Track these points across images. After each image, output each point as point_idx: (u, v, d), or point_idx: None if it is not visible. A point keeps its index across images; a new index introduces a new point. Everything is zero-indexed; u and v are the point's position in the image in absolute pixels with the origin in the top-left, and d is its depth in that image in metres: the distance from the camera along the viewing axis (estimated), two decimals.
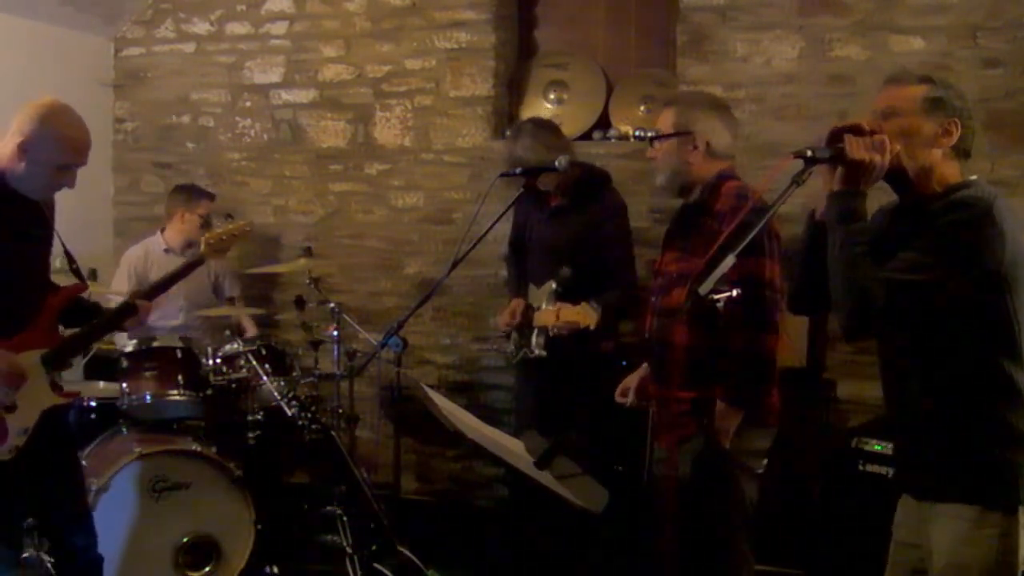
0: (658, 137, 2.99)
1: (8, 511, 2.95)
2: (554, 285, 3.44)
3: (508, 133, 4.03)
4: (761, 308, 2.78)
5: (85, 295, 3.13)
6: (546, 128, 3.91)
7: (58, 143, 2.78)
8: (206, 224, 4.51)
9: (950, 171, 2.21)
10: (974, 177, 2.21)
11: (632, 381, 3.17)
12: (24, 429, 2.80)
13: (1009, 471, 2.11)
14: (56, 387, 2.93)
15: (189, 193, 4.64)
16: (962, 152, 2.23)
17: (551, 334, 3.43)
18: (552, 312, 3.39)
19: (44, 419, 2.86)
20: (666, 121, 2.99)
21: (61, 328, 3.04)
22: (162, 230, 4.66)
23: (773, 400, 2.91)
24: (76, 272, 3.12)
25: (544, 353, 3.40)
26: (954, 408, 2.15)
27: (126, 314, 3.02)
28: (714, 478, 2.83)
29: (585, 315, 3.28)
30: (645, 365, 3.15)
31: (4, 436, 2.77)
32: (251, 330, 4.65)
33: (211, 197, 4.68)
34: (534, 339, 3.44)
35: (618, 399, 3.18)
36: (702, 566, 2.88)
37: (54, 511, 3.02)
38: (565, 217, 3.78)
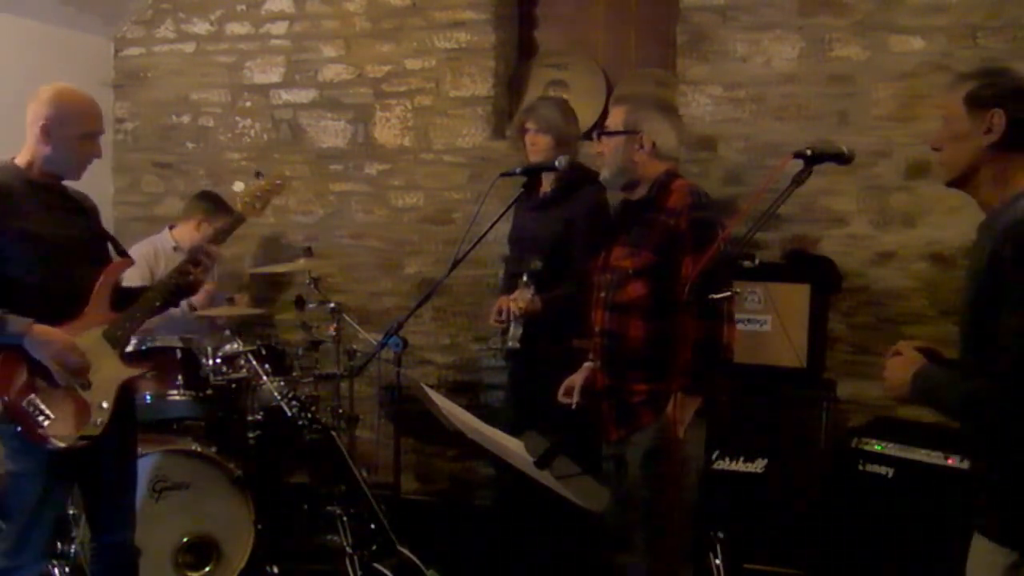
0: (605, 133, 3.07)
1: (63, 496, 3.03)
2: (525, 277, 3.47)
3: (540, 96, 4.12)
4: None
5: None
6: (571, 110, 4.00)
7: (76, 114, 2.93)
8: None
9: (1013, 175, 1.98)
10: None
11: (576, 380, 3.15)
12: (103, 404, 2.87)
13: None
14: (128, 362, 3.01)
15: (215, 205, 4.52)
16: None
17: (513, 318, 3.46)
18: (514, 303, 3.44)
19: (122, 394, 2.94)
20: (616, 119, 3.06)
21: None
22: (171, 227, 4.61)
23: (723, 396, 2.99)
24: (122, 254, 3.19)
25: (518, 345, 3.42)
26: None
27: (194, 264, 3.05)
28: (666, 467, 2.85)
29: (521, 299, 3.40)
30: (587, 364, 3.15)
31: (87, 413, 2.84)
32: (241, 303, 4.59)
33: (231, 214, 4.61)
34: (511, 331, 3.46)
35: (561, 399, 3.15)
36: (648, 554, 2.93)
37: (104, 499, 3.06)
38: (548, 210, 3.83)
